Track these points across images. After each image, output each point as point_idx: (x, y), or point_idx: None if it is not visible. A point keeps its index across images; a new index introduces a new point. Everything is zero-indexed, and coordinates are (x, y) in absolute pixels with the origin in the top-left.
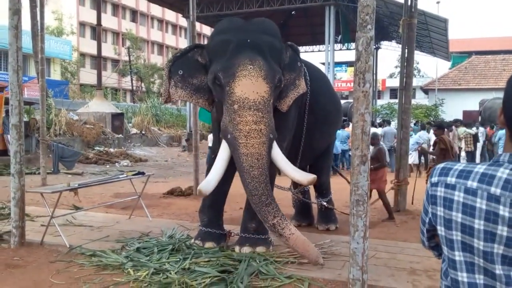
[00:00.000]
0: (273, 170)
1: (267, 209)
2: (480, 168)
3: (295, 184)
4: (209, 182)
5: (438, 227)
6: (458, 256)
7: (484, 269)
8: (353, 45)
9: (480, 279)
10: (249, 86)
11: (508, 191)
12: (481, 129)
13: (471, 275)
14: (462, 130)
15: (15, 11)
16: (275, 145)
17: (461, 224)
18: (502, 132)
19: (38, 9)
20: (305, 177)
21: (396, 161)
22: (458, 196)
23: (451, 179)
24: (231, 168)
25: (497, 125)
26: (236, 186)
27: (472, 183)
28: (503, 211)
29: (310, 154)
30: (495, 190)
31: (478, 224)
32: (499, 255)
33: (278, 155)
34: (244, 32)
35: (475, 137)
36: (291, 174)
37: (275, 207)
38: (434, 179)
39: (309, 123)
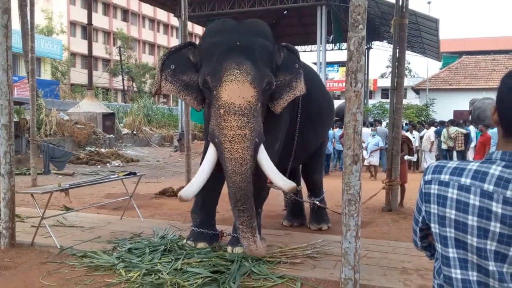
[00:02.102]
0: (263, 182)
1: (241, 214)
2: (473, 166)
3: None
4: (191, 186)
5: (432, 225)
6: (452, 253)
7: (478, 265)
8: (344, 45)
9: (473, 275)
10: (235, 91)
11: (500, 187)
12: (472, 128)
13: (465, 271)
14: (453, 129)
15: (4, 10)
16: (262, 150)
17: (454, 221)
18: (493, 131)
19: (28, 8)
20: (287, 184)
21: (388, 161)
22: (452, 193)
23: (444, 177)
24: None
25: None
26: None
27: (466, 180)
28: (496, 207)
29: (303, 153)
30: (488, 186)
31: (472, 220)
32: (492, 251)
33: (264, 160)
34: (234, 34)
35: (467, 137)
36: (274, 179)
37: (249, 215)
38: (428, 177)
39: (302, 122)
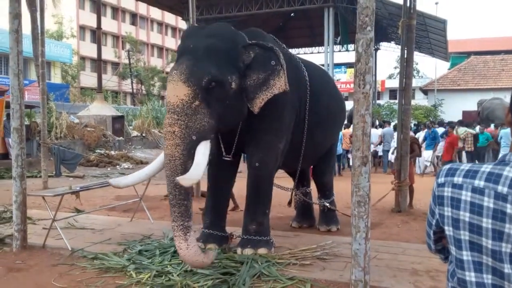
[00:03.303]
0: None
1: (172, 209)
2: (487, 168)
3: (297, 185)
4: (126, 178)
5: (446, 227)
6: (466, 255)
7: (493, 268)
8: (352, 46)
9: (488, 278)
10: (171, 90)
11: None
12: (479, 128)
13: (479, 274)
14: (462, 130)
15: (15, 15)
16: (200, 146)
17: (469, 224)
18: (504, 131)
19: (38, 13)
20: (186, 179)
21: (397, 162)
22: (466, 195)
23: (458, 179)
24: (231, 170)
25: (503, 125)
26: (237, 188)
27: (479, 182)
28: (511, 209)
29: (313, 154)
30: (502, 188)
31: (486, 222)
32: (507, 254)
33: (197, 154)
34: (191, 38)
35: (476, 137)
36: (191, 170)
37: (179, 211)
38: (441, 179)
39: (311, 123)
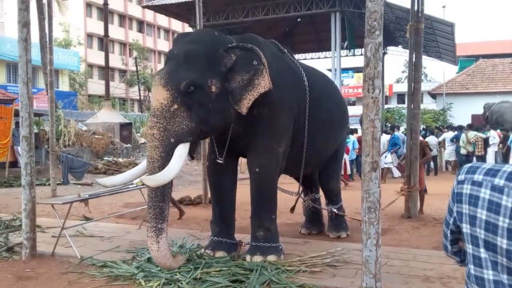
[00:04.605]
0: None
1: (148, 210)
2: (509, 167)
3: (306, 191)
4: (114, 178)
5: (464, 225)
6: (484, 253)
7: (508, 268)
8: (358, 51)
9: (504, 278)
10: (153, 94)
11: None
12: (493, 132)
13: (496, 273)
14: (472, 134)
15: (24, 24)
16: (178, 150)
17: (485, 222)
18: None
19: (46, 21)
20: (155, 180)
21: (406, 167)
22: (484, 193)
23: (478, 176)
24: (232, 175)
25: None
26: (246, 194)
27: (500, 181)
28: None
29: (316, 160)
30: None
31: (503, 221)
32: None
33: (174, 157)
34: (176, 44)
35: (486, 141)
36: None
37: (154, 213)
38: (461, 177)
39: (312, 129)
